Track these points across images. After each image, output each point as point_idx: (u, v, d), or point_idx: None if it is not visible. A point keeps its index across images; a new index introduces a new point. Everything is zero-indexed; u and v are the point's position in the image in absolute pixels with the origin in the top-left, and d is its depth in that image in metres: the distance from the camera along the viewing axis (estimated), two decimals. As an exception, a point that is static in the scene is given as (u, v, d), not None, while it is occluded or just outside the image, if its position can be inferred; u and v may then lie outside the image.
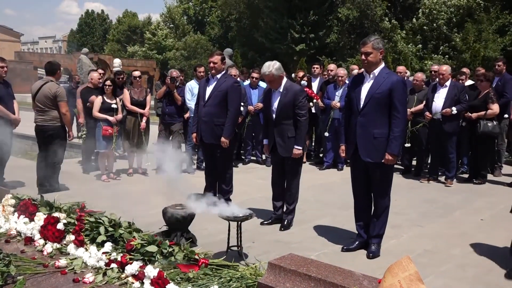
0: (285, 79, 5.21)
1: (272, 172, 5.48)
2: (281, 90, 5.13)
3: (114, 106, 7.51)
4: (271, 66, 5.04)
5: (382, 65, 4.37)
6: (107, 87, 7.56)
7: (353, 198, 4.73)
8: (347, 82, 8.17)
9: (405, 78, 9.02)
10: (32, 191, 6.09)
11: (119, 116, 7.59)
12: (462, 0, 24.51)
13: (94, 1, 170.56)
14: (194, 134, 6.02)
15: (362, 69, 4.63)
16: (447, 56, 24.48)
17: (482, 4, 23.97)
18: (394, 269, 2.26)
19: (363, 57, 4.33)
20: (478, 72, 8.47)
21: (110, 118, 7.39)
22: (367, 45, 4.29)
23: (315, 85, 9.35)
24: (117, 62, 15.03)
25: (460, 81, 8.21)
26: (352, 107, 4.49)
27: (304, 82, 9.20)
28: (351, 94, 4.53)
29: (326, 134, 8.63)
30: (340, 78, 8.41)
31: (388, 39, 26.21)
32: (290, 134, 5.12)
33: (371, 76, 4.35)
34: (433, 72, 8.55)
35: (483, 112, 7.41)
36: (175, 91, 7.93)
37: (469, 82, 8.64)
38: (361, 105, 4.35)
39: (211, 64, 5.69)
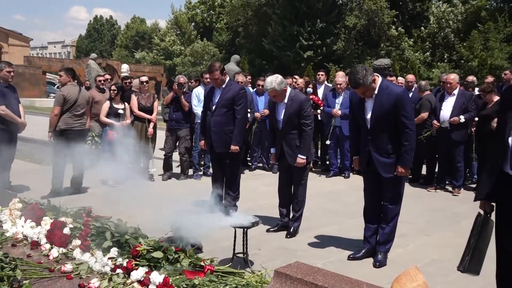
0: (289, 90, 5.19)
1: (279, 180, 5.48)
2: (285, 101, 5.11)
3: (121, 111, 7.53)
4: (273, 82, 4.97)
5: (379, 81, 4.30)
6: (111, 92, 7.58)
7: (360, 206, 4.72)
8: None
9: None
10: (39, 195, 6.10)
11: (126, 121, 7.60)
12: (469, 7, 24.48)
13: (103, 6, 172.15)
14: (203, 142, 6.03)
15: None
16: (453, 63, 24.42)
17: (492, 9, 23.89)
18: (402, 279, 2.25)
19: (361, 94, 4.32)
20: (486, 81, 8.42)
21: (116, 124, 7.40)
22: (360, 88, 4.22)
23: (320, 92, 9.32)
24: (125, 67, 15.12)
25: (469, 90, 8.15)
26: (360, 124, 4.49)
27: (309, 90, 9.19)
28: (355, 113, 4.54)
29: (328, 142, 8.63)
30: (338, 86, 8.38)
31: (395, 47, 26.18)
32: (298, 143, 5.11)
33: (372, 96, 4.32)
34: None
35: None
36: (182, 97, 7.95)
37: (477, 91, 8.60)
38: (369, 126, 4.35)
39: (213, 81, 5.71)
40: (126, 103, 7.77)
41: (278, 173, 5.72)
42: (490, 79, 8.46)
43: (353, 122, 4.71)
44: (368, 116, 4.34)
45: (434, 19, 25.99)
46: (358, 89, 4.25)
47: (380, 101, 4.25)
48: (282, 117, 5.14)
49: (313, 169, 9.23)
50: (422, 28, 26.49)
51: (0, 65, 6.81)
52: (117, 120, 7.45)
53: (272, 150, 5.49)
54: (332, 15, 27.51)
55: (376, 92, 4.27)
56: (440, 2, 27.67)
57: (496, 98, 7.46)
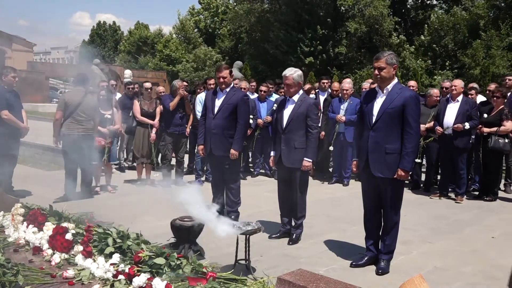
0: (301, 91, 5.25)
1: (278, 188, 5.45)
2: (296, 100, 5.16)
3: (108, 116, 7.49)
4: (294, 71, 5.18)
5: (395, 80, 4.37)
6: (101, 97, 7.56)
7: (362, 212, 4.69)
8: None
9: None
10: (41, 200, 6.10)
11: (114, 127, 7.58)
12: (469, 15, 24.51)
13: (106, 12, 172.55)
14: (201, 147, 6.02)
15: (375, 84, 4.62)
16: (455, 71, 24.41)
17: (494, 17, 23.90)
18: (406, 287, 2.23)
19: (376, 71, 4.33)
20: (489, 88, 8.41)
21: (102, 129, 7.33)
22: (380, 60, 4.29)
23: (323, 99, 9.30)
24: (127, 73, 15.19)
25: (470, 96, 8.09)
26: (364, 121, 4.47)
27: (312, 96, 9.19)
28: (364, 109, 4.52)
29: (331, 148, 8.62)
30: (345, 92, 8.38)
31: (397, 54, 26.18)
32: (297, 145, 5.11)
33: (384, 91, 4.35)
34: (444, 89, 8.49)
35: (495, 128, 7.33)
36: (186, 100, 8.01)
37: (480, 98, 8.57)
38: (374, 120, 4.34)
39: (221, 79, 5.72)
40: (114, 109, 7.74)
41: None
42: (492, 86, 8.41)
43: (359, 125, 4.69)
44: (376, 111, 4.34)
45: (432, 27, 25.99)
46: (378, 61, 4.29)
47: (391, 97, 4.29)
48: (288, 116, 5.16)
49: (313, 175, 9.21)
50: (422, 37, 26.50)
51: (6, 71, 6.85)
52: (103, 127, 7.37)
53: (272, 153, 5.48)
54: (333, 22, 27.60)
55: (390, 88, 4.32)
56: (442, 10, 27.73)
57: (501, 106, 7.45)
